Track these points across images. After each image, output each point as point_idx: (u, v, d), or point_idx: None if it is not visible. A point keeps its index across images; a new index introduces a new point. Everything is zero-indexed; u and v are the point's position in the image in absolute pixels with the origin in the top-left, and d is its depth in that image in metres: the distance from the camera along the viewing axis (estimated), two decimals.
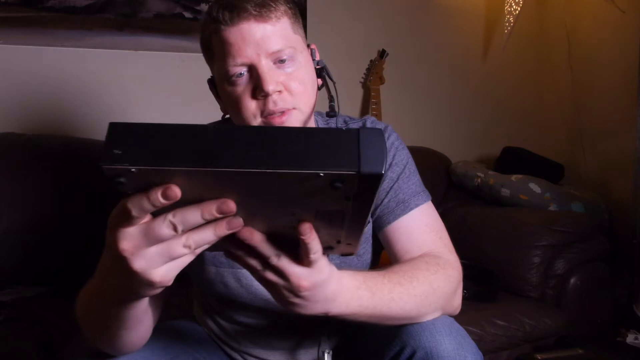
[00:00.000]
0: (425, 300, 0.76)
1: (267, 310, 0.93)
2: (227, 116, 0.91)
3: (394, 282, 0.73)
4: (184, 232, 0.49)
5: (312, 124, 0.94)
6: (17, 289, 1.55)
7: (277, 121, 0.82)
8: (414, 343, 0.75)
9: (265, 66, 0.81)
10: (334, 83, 0.93)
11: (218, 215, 0.48)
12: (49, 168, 1.67)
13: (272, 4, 0.82)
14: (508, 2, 2.44)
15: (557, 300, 1.84)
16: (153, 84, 2.04)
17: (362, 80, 2.39)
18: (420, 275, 0.77)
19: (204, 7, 2.06)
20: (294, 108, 0.83)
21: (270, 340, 0.97)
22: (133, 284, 0.53)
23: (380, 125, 0.99)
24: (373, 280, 0.71)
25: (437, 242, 0.89)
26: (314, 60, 0.91)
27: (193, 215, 0.48)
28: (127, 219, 0.48)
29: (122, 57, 1.99)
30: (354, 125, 0.99)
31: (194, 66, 2.06)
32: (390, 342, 0.78)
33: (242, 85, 0.83)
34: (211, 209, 0.47)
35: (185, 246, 0.49)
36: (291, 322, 0.95)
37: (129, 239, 0.49)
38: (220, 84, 0.86)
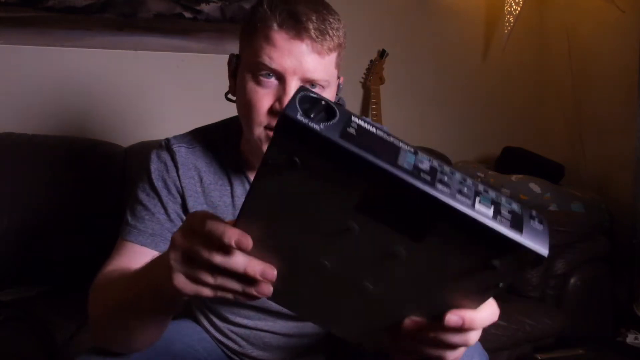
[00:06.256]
0: None
1: (264, 310, 0.93)
2: (232, 97, 0.91)
3: None
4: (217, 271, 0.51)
5: None
6: (17, 289, 1.55)
7: None
8: None
9: (294, 85, 0.81)
10: None
11: (259, 278, 0.50)
12: (49, 168, 1.67)
13: (331, 32, 0.81)
14: (508, 2, 2.44)
15: (557, 300, 1.84)
16: (153, 84, 2.04)
17: (362, 80, 2.39)
18: None
19: (204, 7, 2.06)
20: None
21: (268, 342, 0.97)
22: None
23: None
24: None
25: None
26: (337, 95, 0.91)
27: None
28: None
29: (122, 57, 1.99)
30: None
31: (193, 66, 2.06)
32: None
33: (265, 88, 0.82)
34: (255, 270, 0.50)
35: (210, 284, 0.52)
36: (289, 324, 0.94)
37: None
38: (244, 70, 0.85)
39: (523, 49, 2.68)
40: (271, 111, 0.82)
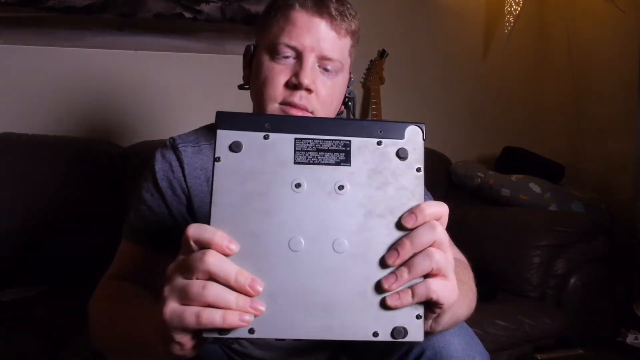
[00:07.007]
0: (472, 302, 0.73)
1: None
2: (246, 86, 0.94)
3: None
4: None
5: None
6: (17, 289, 1.55)
7: (293, 113, 0.85)
8: (423, 342, 0.74)
9: (311, 61, 0.84)
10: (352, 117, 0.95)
11: (250, 292, 0.49)
12: (49, 168, 1.67)
13: (349, 15, 0.86)
14: (508, 2, 2.44)
15: (557, 300, 1.84)
16: (152, 84, 2.04)
17: (362, 80, 2.39)
18: (464, 276, 0.75)
19: (204, 7, 2.06)
20: (312, 112, 0.85)
21: (270, 341, 0.97)
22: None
23: None
24: None
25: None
26: (347, 87, 0.94)
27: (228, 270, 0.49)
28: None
29: (122, 57, 1.99)
30: None
31: (193, 66, 2.06)
32: None
33: (282, 66, 0.85)
34: (245, 281, 0.49)
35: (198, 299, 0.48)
36: None
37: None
38: (261, 54, 0.87)
39: (523, 49, 2.68)
40: (287, 85, 0.84)
